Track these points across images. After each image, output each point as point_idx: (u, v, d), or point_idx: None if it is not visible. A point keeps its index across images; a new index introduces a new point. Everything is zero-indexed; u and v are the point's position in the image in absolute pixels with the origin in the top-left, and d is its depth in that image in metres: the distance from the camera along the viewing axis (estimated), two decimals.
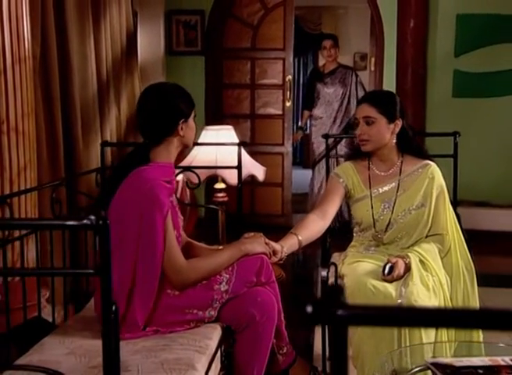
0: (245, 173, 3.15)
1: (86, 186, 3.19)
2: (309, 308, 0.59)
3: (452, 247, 2.50)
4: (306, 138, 6.77)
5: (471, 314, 0.61)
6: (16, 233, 2.29)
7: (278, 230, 3.02)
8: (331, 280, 2.46)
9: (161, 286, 2.09)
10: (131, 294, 2.03)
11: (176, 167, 2.63)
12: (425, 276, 2.34)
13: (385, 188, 2.58)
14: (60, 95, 3.05)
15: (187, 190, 3.83)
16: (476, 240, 2.66)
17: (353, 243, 2.68)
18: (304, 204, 5.76)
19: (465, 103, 5.45)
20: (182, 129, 2.16)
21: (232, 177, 3.18)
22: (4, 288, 2.02)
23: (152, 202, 2.02)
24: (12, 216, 2.20)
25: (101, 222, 1.10)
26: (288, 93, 5.73)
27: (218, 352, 2.12)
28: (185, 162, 3.25)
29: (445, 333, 2.33)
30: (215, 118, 5.52)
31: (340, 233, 2.94)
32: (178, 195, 3.28)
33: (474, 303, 2.48)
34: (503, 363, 1.84)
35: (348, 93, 5.40)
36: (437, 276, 2.37)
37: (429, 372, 1.89)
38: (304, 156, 9.76)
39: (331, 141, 3.48)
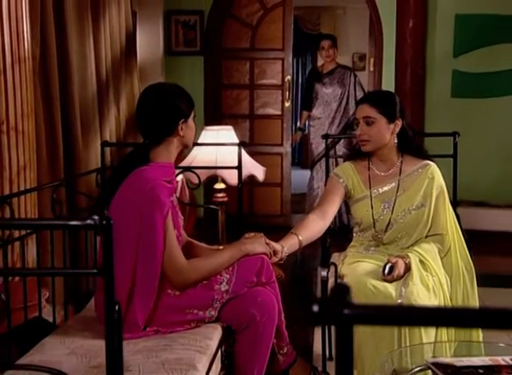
0: (245, 173, 3.15)
1: (85, 186, 3.19)
2: (315, 308, 0.60)
3: (452, 247, 2.50)
4: (305, 139, 6.77)
5: (478, 313, 0.61)
6: (16, 234, 2.29)
7: (277, 230, 3.02)
8: (331, 280, 2.46)
9: (162, 286, 2.09)
10: (131, 294, 2.03)
11: (176, 167, 2.62)
12: (425, 276, 2.35)
13: (385, 188, 2.58)
14: (59, 95, 3.05)
15: (187, 190, 3.83)
16: (475, 240, 2.66)
17: (353, 243, 2.69)
18: (302, 204, 5.76)
19: (464, 103, 5.46)
20: (182, 129, 2.16)
21: (232, 177, 3.18)
22: (4, 288, 2.02)
23: (153, 202, 2.02)
24: (12, 216, 2.20)
25: (104, 222, 1.11)
26: (287, 93, 5.73)
27: (219, 352, 2.13)
28: (185, 163, 3.25)
29: (445, 333, 2.33)
30: (213, 118, 5.53)
31: (340, 234, 2.94)
32: (177, 195, 3.28)
33: (474, 303, 2.48)
34: (503, 363, 1.84)
35: (347, 93, 5.40)
36: (437, 277, 2.37)
37: (429, 372, 1.90)
38: (302, 156, 9.76)
39: (330, 141, 3.48)
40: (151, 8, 5.25)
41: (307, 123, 5.90)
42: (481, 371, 1.79)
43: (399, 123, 2.54)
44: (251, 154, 3.50)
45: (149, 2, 5.20)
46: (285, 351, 2.42)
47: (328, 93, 5.40)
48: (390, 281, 2.32)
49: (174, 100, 2.16)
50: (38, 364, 1.75)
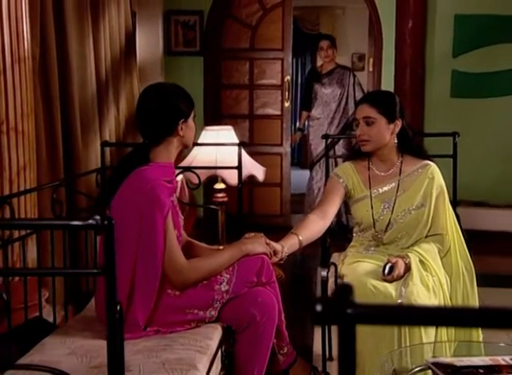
0: (245, 173, 3.15)
1: (85, 186, 3.19)
2: (319, 307, 0.60)
3: (452, 247, 2.50)
4: (304, 139, 6.78)
5: (482, 313, 0.61)
6: (16, 234, 2.29)
7: (276, 230, 3.02)
8: (331, 280, 2.46)
9: (162, 286, 2.09)
10: (132, 295, 2.03)
11: (176, 167, 2.62)
12: (425, 276, 2.35)
13: (385, 188, 2.58)
14: (59, 95, 3.05)
15: (186, 190, 3.83)
16: (474, 240, 2.66)
17: (352, 243, 2.69)
18: (302, 204, 5.77)
19: (463, 103, 5.46)
20: (182, 129, 2.16)
21: (232, 177, 3.18)
22: (5, 288, 2.02)
23: (153, 202, 2.02)
24: (13, 217, 2.20)
25: (106, 222, 1.11)
26: (286, 93, 5.73)
27: (219, 352, 2.13)
28: (185, 163, 3.25)
29: (444, 333, 2.33)
30: (213, 118, 5.52)
31: (340, 234, 2.94)
32: (177, 195, 3.28)
33: (474, 303, 2.49)
34: (503, 363, 1.84)
35: (346, 93, 5.39)
36: (437, 276, 2.38)
37: (429, 372, 1.90)
38: (301, 157, 9.76)
39: (329, 141, 3.48)
40: (151, 8, 5.25)
41: (306, 123, 5.90)
42: (481, 371, 1.80)
43: (399, 123, 2.54)
44: (251, 154, 3.50)
45: (149, 2, 5.20)
46: (285, 351, 2.42)
47: (327, 93, 5.40)
48: (390, 281, 2.32)
49: (174, 100, 2.16)
50: (38, 364, 1.74)
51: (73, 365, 1.82)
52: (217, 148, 3.24)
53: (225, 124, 4.16)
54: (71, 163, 3.18)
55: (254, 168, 3.39)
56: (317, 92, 5.43)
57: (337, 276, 2.47)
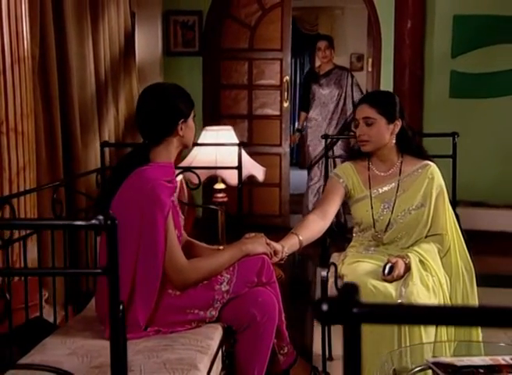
0: (245, 173, 3.15)
1: (85, 186, 3.19)
2: (324, 306, 0.60)
3: (451, 247, 2.50)
4: (303, 139, 6.79)
5: (488, 312, 0.62)
6: (16, 234, 2.29)
7: (275, 230, 3.02)
8: (331, 280, 2.47)
9: (163, 286, 2.09)
10: (132, 295, 2.03)
11: (176, 167, 2.62)
12: (425, 276, 2.35)
13: (385, 188, 2.58)
14: (59, 95, 3.05)
15: (185, 190, 3.83)
16: (473, 240, 2.67)
17: (352, 243, 2.69)
18: (301, 204, 5.76)
19: (462, 104, 5.47)
20: (181, 129, 2.16)
21: (232, 178, 3.18)
22: (7, 288, 2.02)
23: (153, 202, 2.02)
24: (14, 217, 2.20)
25: (109, 222, 1.11)
26: (285, 93, 5.73)
27: (220, 352, 2.13)
28: (185, 163, 3.25)
29: (444, 333, 2.34)
30: (212, 118, 5.52)
31: (339, 234, 2.95)
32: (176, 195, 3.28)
33: (474, 303, 2.49)
34: (503, 363, 1.84)
35: (344, 94, 5.37)
36: (437, 276, 2.38)
37: (429, 371, 1.90)
38: (300, 157, 9.77)
39: (328, 141, 3.48)
40: (150, 8, 5.25)
41: (304, 124, 5.90)
42: (481, 371, 1.80)
43: (398, 123, 2.54)
44: (250, 154, 3.50)
45: (148, 3, 5.20)
46: (285, 351, 2.42)
47: (325, 94, 5.38)
48: (390, 281, 2.32)
49: (173, 100, 2.16)
50: (40, 364, 1.75)
51: (74, 365, 1.82)
52: (217, 148, 3.24)
53: (224, 124, 4.16)
54: (70, 163, 3.18)
55: (254, 168, 3.39)
56: (315, 93, 5.41)
57: (337, 276, 2.47)
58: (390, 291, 2.29)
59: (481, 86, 5.44)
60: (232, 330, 2.21)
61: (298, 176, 7.33)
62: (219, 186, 3.36)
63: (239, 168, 3.00)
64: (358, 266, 2.45)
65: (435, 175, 2.54)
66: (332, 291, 2.46)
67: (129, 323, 1.99)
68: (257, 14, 5.69)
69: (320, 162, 5.32)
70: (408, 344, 2.24)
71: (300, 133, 5.81)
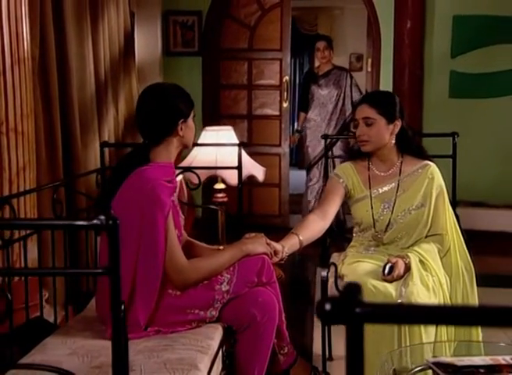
0: (245, 173, 3.15)
1: (85, 186, 3.19)
2: (327, 306, 0.60)
3: (451, 247, 2.50)
4: (302, 140, 6.79)
5: (492, 311, 0.62)
6: (16, 234, 2.29)
7: (275, 230, 3.02)
8: (331, 280, 2.47)
9: (163, 286, 2.09)
10: (133, 295, 2.03)
11: (176, 168, 2.62)
12: (425, 276, 2.35)
13: (385, 188, 2.58)
14: (58, 96, 3.05)
15: (185, 190, 3.83)
16: (473, 240, 2.67)
17: (352, 243, 2.69)
18: (300, 204, 5.77)
19: (462, 104, 5.47)
20: (181, 129, 2.16)
21: (232, 178, 3.18)
22: (8, 288, 2.02)
23: (153, 202, 2.02)
24: (15, 217, 2.20)
25: (111, 222, 1.11)
26: (285, 94, 5.73)
27: (220, 352, 2.13)
28: (185, 163, 3.25)
29: (444, 333, 2.34)
30: (212, 119, 5.52)
31: (339, 234, 2.95)
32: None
33: (474, 303, 2.49)
34: (503, 362, 1.84)
35: (343, 95, 5.36)
36: (437, 276, 2.38)
37: (430, 371, 1.90)
38: (299, 157, 9.77)
39: (328, 141, 3.48)
40: (149, 8, 5.25)
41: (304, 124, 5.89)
42: (482, 370, 1.80)
43: (398, 123, 2.55)
44: (249, 154, 3.50)
45: (147, 3, 5.20)
46: (285, 351, 2.42)
47: (324, 94, 5.37)
48: (390, 281, 2.33)
49: (173, 100, 2.16)
50: (41, 363, 1.75)
51: (75, 365, 1.82)
52: (217, 149, 3.24)
53: (224, 124, 4.16)
54: (70, 164, 3.18)
55: (254, 168, 3.39)
56: (314, 93, 5.40)
57: (337, 276, 2.47)
58: (390, 291, 2.29)
59: (480, 86, 5.44)
60: (232, 330, 2.21)
61: (297, 177, 7.33)
62: (219, 186, 3.36)
63: (239, 168, 3.00)
64: (358, 266, 2.45)
65: (435, 175, 2.54)
66: (332, 290, 2.46)
67: (129, 323, 1.99)
68: (257, 14, 5.69)
69: (319, 162, 5.32)
70: (408, 344, 2.24)
71: (299, 134, 5.80)
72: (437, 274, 2.38)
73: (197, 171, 3.01)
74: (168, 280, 2.10)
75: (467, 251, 2.54)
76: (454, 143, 3.13)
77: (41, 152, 2.82)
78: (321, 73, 5.42)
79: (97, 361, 1.86)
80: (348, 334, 0.61)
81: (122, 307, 1.24)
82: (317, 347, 2.86)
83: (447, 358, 2.00)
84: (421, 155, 2.62)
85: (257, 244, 2.28)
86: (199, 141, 3.35)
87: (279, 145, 5.78)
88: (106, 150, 3.30)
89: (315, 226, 2.50)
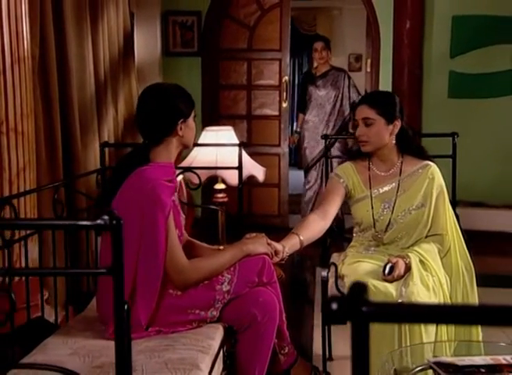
0: (245, 173, 3.15)
1: (84, 187, 3.19)
2: (334, 305, 0.60)
3: (451, 247, 2.51)
4: (300, 140, 6.80)
5: (498, 310, 0.62)
6: (17, 234, 2.29)
7: (275, 230, 3.02)
8: (331, 280, 2.47)
9: (164, 286, 2.09)
10: (133, 295, 2.03)
11: (176, 168, 2.63)
12: (425, 276, 2.35)
13: (386, 188, 2.58)
14: (58, 96, 3.05)
15: (184, 190, 3.83)
16: (473, 240, 2.67)
17: (352, 243, 2.69)
18: (300, 204, 5.77)
19: (461, 104, 5.48)
20: (181, 129, 2.16)
21: (232, 178, 3.18)
22: (9, 288, 2.02)
23: (154, 202, 2.02)
24: (16, 217, 2.19)
25: (114, 222, 1.11)
26: (284, 94, 5.73)
27: (221, 352, 2.13)
28: (185, 163, 3.25)
29: (444, 333, 2.34)
30: (211, 119, 5.53)
31: (338, 234, 2.94)
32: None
33: (474, 303, 2.49)
34: (504, 362, 1.84)
35: (340, 95, 5.34)
36: (437, 276, 2.38)
37: (430, 371, 1.90)
38: (298, 157, 9.76)
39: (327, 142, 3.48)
40: (149, 9, 5.25)
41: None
42: (482, 370, 1.80)
43: (398, 123, 2.55)
44: (249, 154, 3.50)
45: (147, 3, 5.20)
46: (286, 351, 2.42)
47: (321, 95, 5.35)
48: (390, 281, 2.33)
49: (173, 100, 2.16)
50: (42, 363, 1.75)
51: (76, 365, 1.82)
52: (217, 149, 3.24)
53: (223, 125, 4.16)
54: (70, 164, 3.18)
55: (254, 168, 3.39)
56: (311, 94, 5.38)
57: (337, 276, 2.47)
58: (391, 291, 2.29)
59: (479, 86, 5.44)
60: (233, 330, 2.21)
61: (297, 177, 7.33)
62: (219, 186, 3.36)
63: (239, 168, 3.00)
64: (358, 266, 2.45)
65: (435, 175, 2.55)
66: (332, 291, 2.47)
67: (130, 323, 2.00)
68: (256, 14, 5.70)
69: (317, 164, 5.32)
70: (409, 343, 2.24)
71: (298, 134, 5.79)
72: (437, 274, 2.39)
73: (198, 171, 3.00)
74: (169, 280, 2.10)
75: (467, 251, 2.54)
76: (454, 143, 3.13)
77: (41, 152, 2.82)
78: (318, 73, 5.40)
79: (98, 361, 1.86)
80: (354, 333, 0.61)
81: (126, 307, 1.24)
82: (317, 347, 2.86)
83: (448, 357, 2.01)
84: (422, 155, 2.62)
85: (258, 244, 2.28)
86: (199, 142, 3.35)
87: (279, 145, 5.78)
88: (106, 150, 3.30)
89: (316, 226, 2.50)
